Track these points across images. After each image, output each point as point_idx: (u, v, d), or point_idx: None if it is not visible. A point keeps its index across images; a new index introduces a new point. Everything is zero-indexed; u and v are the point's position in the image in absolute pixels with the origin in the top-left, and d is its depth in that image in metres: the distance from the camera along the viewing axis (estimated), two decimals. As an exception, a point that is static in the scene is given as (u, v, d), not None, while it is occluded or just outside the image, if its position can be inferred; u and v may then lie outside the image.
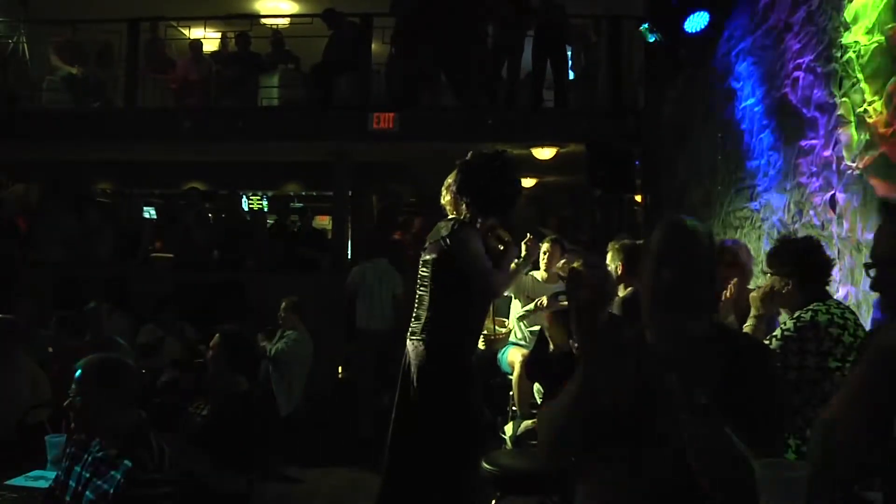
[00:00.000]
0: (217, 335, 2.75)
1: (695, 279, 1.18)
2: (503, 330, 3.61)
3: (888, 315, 1.15)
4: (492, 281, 2.41)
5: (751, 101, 3.64)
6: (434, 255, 2.45)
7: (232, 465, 2.49)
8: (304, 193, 8.22)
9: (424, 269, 2.50)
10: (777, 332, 2.06)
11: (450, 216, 2.49)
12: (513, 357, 3.77)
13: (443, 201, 2.51)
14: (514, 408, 3.73)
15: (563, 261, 4.23)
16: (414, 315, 2.54)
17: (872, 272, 1.03)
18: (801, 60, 3.06)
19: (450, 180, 2.49)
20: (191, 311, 4.97)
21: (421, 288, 2.52)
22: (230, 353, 2.71)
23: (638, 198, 5.81)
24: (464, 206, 2.44)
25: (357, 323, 4.92)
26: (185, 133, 6.01)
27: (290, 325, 4.55)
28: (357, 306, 4.92)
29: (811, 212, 2.95)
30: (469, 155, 2.50)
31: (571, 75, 6.51)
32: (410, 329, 2.51)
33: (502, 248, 2.52)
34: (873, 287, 1.04)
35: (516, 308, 4.01)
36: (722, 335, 1.25)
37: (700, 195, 4.46)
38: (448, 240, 2.40)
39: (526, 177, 7.93)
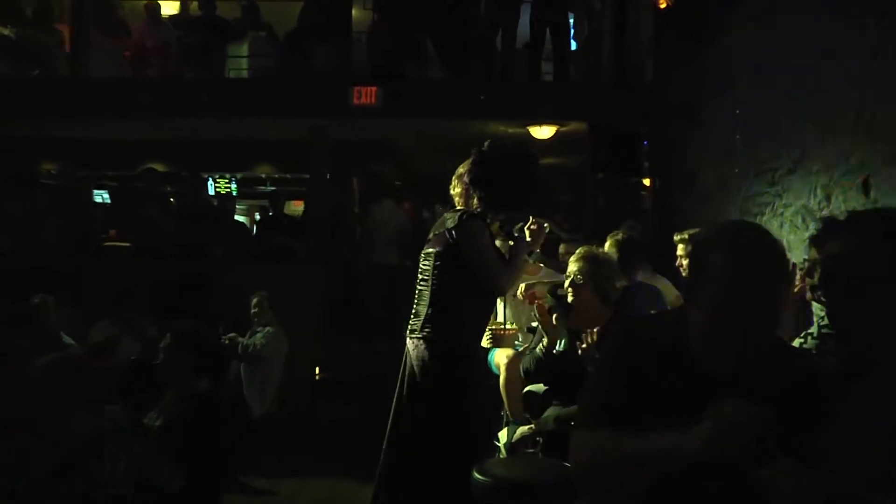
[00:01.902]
0: (167, 335, 2.69)
1: (771, 290, 1.18)
2: (512, 326, 3.54)
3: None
4: (499, 278, 2.43)
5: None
6: (438, 248, 2.46)
7: (193, 479, 2.41)
8: (276, 176, 8.18)
9: (426, 263, 2.51)
10: (813, 329, 2.01)
11: (457, 207, 2.53)
12: (499, 359, 3.79)
13: (452, 192, 2.55)
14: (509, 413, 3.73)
15: (562, 245, 4.30)
16: (413, 311, 2.53)
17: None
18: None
19: (462, 169, 2.53)
20: (151, 305, 4.91)
21: (421, 283, 2.52)
22: (185, 353, 2.66)
23: (646, 181, 5.81)
24: (475, 198, 2.47)
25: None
26: (141, 107, 5.88)
27: (263, 321, 4.56)
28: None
29: (840, 197, 2.89)
30: (486, 144, 2.52)
31: (573, 45, 6.48)
32: (409, 326, 2.51)
33: (512, 243, 2.57)
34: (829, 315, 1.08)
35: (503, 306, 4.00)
36: (783, 352, 1.26)
37: (715, 179, 4.44)
38: (454, 232, 2.41)
39: None
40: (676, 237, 3.26)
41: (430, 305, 2.44)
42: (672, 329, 1.25)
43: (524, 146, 2.53)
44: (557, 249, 4.56)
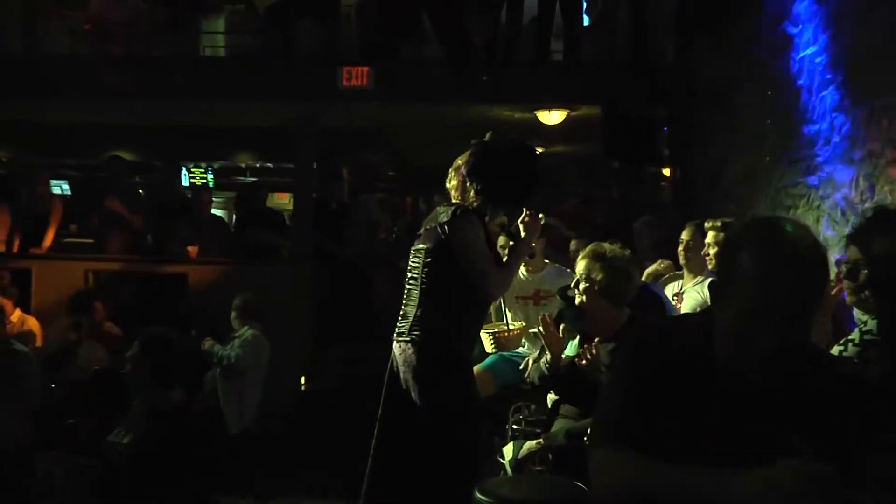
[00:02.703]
0: (135, 342, 2.72)
1: (810, 296, 1.18)
2: (516, 326, 3.52)
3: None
4: (490, 281, 2.46)
5: (811, 49, 3.59)
6: (429, 244, 2.47)
7: (165, 502, 2.40)
8: (257, 166, 8.18)
9: (415, 260, 2.52)
10: (854, 335, 1.97)
11: (453, 201, 2.55)
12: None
13: (448, 184, 2.57)
14: (514, 426, 3.70)
15: (573, 242, 4.31)
16: (401, 312, 2.54)
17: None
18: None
19: (460, 161, 2.55)
20: (117, 309, 4.88)
21: (410, 281, 2.54)
22: (155, 362, 2.70)
23: (665, 172, 5.81)
24: (472, 192, 2.50)
25: None
26: (104, 88, 5.82)
27: (244, 326, 4.53)
28: None
29: (886, 187, 2.88)
30: (488, 136, 2.57)
31: (586, 21, 6.45)
32: (397, 329, 2.52)
33: (512, 244, 2.59)
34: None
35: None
36: (820, 361, 1.26)
37: (743, 168, 4.43)
38: (447, 227, 2.43)
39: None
40: (708, 224, 3.27)
41: (420, 306, 2.45)
42: (695, 335, 1.24)
43: (527, 139, 2.59)
44: (568, 245, 4.57)
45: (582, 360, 2.47)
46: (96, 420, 3.03)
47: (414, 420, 2.41)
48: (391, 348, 2.56)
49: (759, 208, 4.07)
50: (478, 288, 2.47)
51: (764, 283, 1.14)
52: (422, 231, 2.55)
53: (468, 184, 2.50)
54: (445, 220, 2.44)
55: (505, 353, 3.66)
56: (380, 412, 2.48)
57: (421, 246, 2.50)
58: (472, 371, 2.61)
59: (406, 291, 2.54)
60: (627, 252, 2.71)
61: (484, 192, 2.49)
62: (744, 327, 1.15)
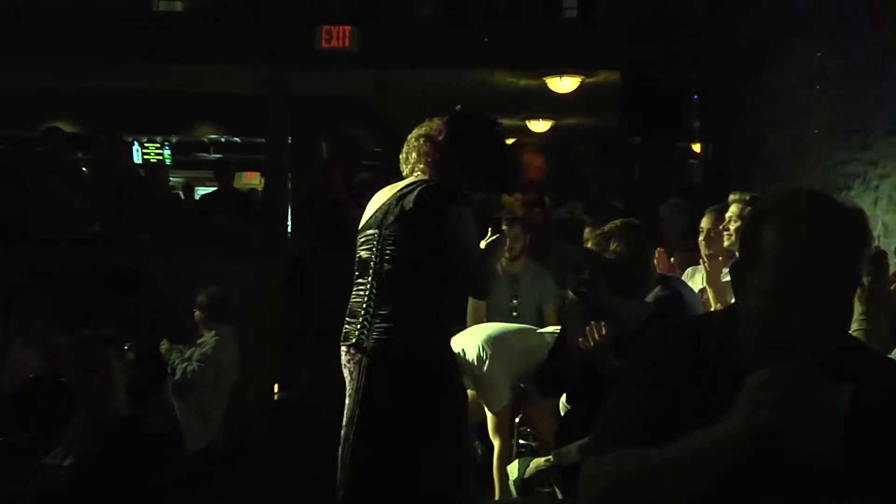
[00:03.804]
0: (76, 344, 2.73)
1: (844, 275, 1.18)
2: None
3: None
4: (489, 280, 2.52)
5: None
6: (396, 230, 2.44)
7: None
8: (223, 140, 8.17)
9: (366, 249, 2.49)
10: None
11: (415, 178, 2.52)
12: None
13: (405, 158, 2.56)
14: (521, 441, 3.74)
15: (587, 231, 4.27)
16: (348, 312, 2.51)
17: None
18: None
19: (421, 131, 2.55)
20: (57, 307, 4.80)
21: (363, 274, 2.51)
22: (101, 369, 2.67)
23: (696, 147, 5.86)
24: (455, 168, 2.49)
25: None
26: (40, 48, 5.74)
27: (209, 328, 4.50)
28: None
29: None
30: (459, 108, 2.59)
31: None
32: (345, 332, 2.49)
33: (495, 236, 2.61)
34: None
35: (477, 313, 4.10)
36: (861, 356, 1.27)
37: (786, 143, 4.41)
38: (444, 213, 2.41)
39: (536, 118, 7.88)
40: (733, 196, 3.27)
41: (386, 303, 2.44)
42: (715, 331, 1.26)
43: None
44: (581, 234, 4.56)
45: (588, 341, 2.45)
46: (30, 438, 2.97)
47: (388, 442, 2.39)
48: (342, 352, 2.53)
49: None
50: (469, 288, 2.48)
51: (789, 255, 1.15)
52: (373, 214, 2.50)
53: (446, 157, 2.49)
54: (435, 204, 2.41)
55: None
56: (352, 433, 2.44)
57: (374, 231, 2.46)
58: (457, 372, 2.61)
59: (356, 286, 2.51)
60: (643, 235, 2.69)
61: (467, 168, 2.49)
62: (767, 315, 1.16)
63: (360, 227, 2.55)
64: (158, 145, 8.04)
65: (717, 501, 1.14)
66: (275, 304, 5.66)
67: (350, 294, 2.56)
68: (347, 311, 2.53)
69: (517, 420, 3.74)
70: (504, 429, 3.70)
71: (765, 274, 1.16)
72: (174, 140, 8.14)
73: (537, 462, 3.02)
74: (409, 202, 2.42)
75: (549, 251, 5.03)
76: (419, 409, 2.40)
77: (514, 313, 4.17)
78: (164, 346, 4.40)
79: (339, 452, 2.49)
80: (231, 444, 4.62)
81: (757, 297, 1.18)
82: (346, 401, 2.50)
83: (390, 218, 2.44)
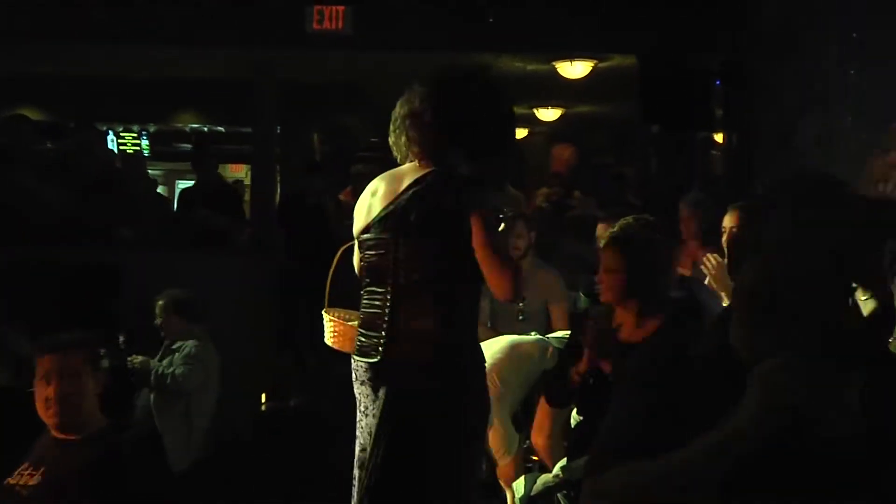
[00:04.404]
0: (41, 348, 2.67)
1: (843, 260, 1.29)
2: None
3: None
4: (519, 281, 2.44)
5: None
6: (421, 231, 2.39)
7: None
8: (205, 129, 8.15)
9: (403, 251, 2.41)
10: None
11: (408, 161, 2.48)
12: None
13: (393, 139, 2.52)
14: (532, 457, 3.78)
15: (599, 227, 4.39)
16: (382, 324, 2.44)
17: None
18: None
19: (409, 108, 2.47)
20: (24, 310, 4.77)
21: (373, 276, 2.47)
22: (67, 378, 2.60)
23: (718, 137, 5.79)
24: (447, 149, 2.43)
25: None
26: (2, 27, 5.70)
27: (189, 332, 4.48)
28: None
29: None
30: (437, 70, 2.53)
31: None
32: (373, 347, 2.44)
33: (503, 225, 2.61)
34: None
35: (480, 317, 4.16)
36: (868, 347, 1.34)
37: (820, 132, 4.40)
38: (466, 210, 2.36)
39: (545, 106, 7.85)
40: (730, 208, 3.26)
41: (410, 313, 2.40)
42: (713, 336, 1.39)
43: (486, 69, 2.64)
44: (594, 231, 4.56)
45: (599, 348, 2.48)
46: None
47: (424, 465, 2.37)
48: (356, 366, 2.51)
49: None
50: (495, 287, 2.43)
51: (782, 240, 1.27)
52: (383, 207, 2.44)
53: (435, 134, 2.41)
54: (460, 200, 2.36)
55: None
56: (378, 460, 2.39)
57: (387, 234, 2.41)
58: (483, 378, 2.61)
59: (368, 291, 2.48)
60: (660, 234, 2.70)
61: (461, 144, 2.42)
62: (761, 309, 1.20)
63: (362, 226, 2.49)
64: (135, 135, 8.05)
65: (737, 499, 1.19)
66: (263, 307, 5.65)
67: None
68: (361, 323, 2.49)
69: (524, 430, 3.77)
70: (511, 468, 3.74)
71: (760, 265, 1.24)
72: (152, 129, 8.13)
73: (545, 479, 3.02)
74: (424, 198, 2.39)
75: (559, 249, 5.01)
76: (452, 428, 2.38)
77: (520, 317, 4.15)
78: (135, 360, 4.40)
79: (356, 473, 2.48)
80: (217, 462, 4.61)
81: (752, 295, 1.24)
82: (363, 419, 2.48)
83: (405, 217, 2.39)
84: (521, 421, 3.89)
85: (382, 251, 2.43)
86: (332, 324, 2.79)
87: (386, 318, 2.41)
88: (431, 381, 2.37)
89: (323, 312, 2.78)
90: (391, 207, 2.42)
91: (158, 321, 4.47)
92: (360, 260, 2.55)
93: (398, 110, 2.49)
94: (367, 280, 2.49)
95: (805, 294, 1.21)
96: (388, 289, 2.42)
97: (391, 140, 2.52)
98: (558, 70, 6.29)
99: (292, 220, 5.92)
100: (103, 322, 4.71)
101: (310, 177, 6.18)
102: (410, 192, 2.40)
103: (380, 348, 2.41)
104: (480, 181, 2.44)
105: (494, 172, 2.87)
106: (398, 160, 2.52)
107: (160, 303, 4.48)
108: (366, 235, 2.48)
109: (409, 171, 2.46)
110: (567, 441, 3.31)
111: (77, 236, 5.70)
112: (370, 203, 2.49)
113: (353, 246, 2.64)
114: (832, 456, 1.17)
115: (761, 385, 1.16)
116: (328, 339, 2.78)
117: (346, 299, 2.76)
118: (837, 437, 1.14)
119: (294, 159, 6.99)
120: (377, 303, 2.44)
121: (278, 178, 6.77)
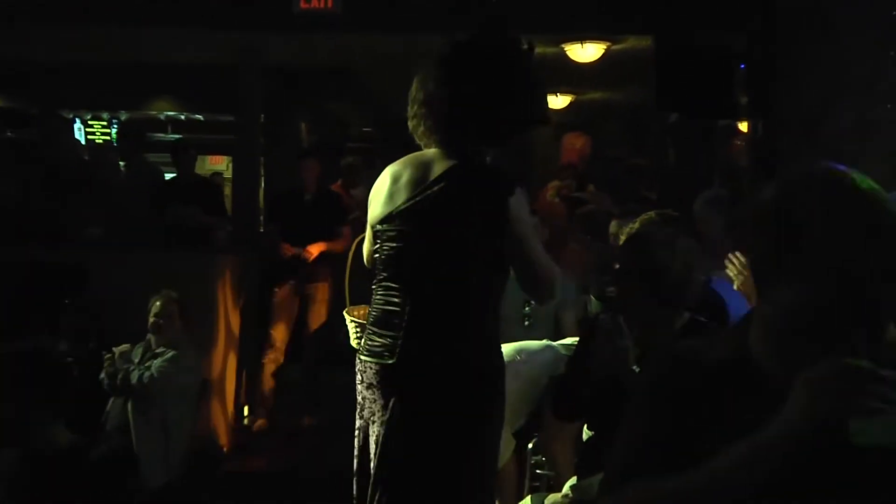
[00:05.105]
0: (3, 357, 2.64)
1: (872, 264, 1.19)
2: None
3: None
4: (556, 280, 2.50)
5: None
6: (449, 225, 2.40)
7: None
8: (183, 117, 8.18)
9: (426, 246, 2.42)
10: None
11: (441, 156, 2.46)
12: None
13: (412, 125, 2.51)
14: (538, 471, 3.73)
15: (613, 223, 4.47)
16: (373, 317, 2.48)
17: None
18: None
19: (424, 95, 2.47)
20: None
21: (389, 272, 2.46)
22: (31, 387, 2.53)
23: (742, 126, 5.81)
24: (465, 136, 2.43)
25: None
26: None
27: (167, 337, 4.51)
28: None
29: None
30: (447, 43, 2.51)
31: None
32: (387, 347, 2.42)
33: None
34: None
35: None
36: None
37: (850, 120, 4.42)
38: (499, 204, 2.39)
39: (553, 93, 7.90)
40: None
41: (433, 312, 2.40)
42: (730, 343, 1.32)
43: (502, 32, 2.55)
44: (607, 229, 4.62)
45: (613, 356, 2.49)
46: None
47: (440, 474, 2.39)
48: (364, 368, 2.49)
49: (876, 173, 4.01)
50: (528, 287, 2.50)
51: (806, 248, 1.18)
52: (411, 201, 2.42)
53: (466, 128, 2.40)
54: (491, 193, 2.38)
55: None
56: (379, 446, 2.41)
57: (409, 226, 2.41)
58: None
59: (383, 287, 2.47)
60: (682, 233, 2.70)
61: (491, 127, 2.42)
62: (786, 316, 1.21)
63: (380, 214, 2.47)
64: (105, 123, 8.10)
65: None
66: (246, 311, 5.68)
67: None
68: (374, 320, 2.47)
69: (530, 447, 3.73)
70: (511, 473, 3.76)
71: (781, 272, 1.21)
72: (124, 117, 8.14)
73: (553, 498, 3.04)
74: (456, 194, 2.39)
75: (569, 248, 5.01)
76: (472, 436, 2.41)
77: (527, 322, 4.16)
78: (106, 363, 4.37)
79: (357, 480, 2.50)
80: (195, 478, 4.60)
81: (773, 302, 1.23)
82: (368, 427, 2.48)
83: (434, 212, 2.40)
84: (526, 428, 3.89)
85: (402, 244, 2.43)
86: (354, 325, 2.78)
87: (405, 318, 2.40)
88: (453, 388, 2.37)
89: (344, 313, 2.78)
90: (418, 199, 2.41)
91: (151, 322, 4.47)
92: (375, 252, 2.53)
93: (413, 93, 2.49)
94: (384, 275, 2.48)
95: (866, 302, 1.20)
96: (408, 285, 2.42)
97: (410, 126, 2.51)
98: (567, 53, 6.32)
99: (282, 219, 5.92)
100: (70, 324, 4.69)
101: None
102: (438, 186, 2.40)
103: (396, 350, 2.39)
104: (512, 179, 2.43)
105: (524, 152, 2.89)
106: (422, 145, 2.51)
107: (158, 302, 4.49)
108: (385, 226, 2.46)
109: (436, 160, 2.45)
110: (577, 457, 3.31)
111: (40, 234, 5.69)
112: (391, 191, 2.46)
113: (363, 238, 2.65)
114: (880, 469, 1.16)
115: (808, 392, 1.15)
116: (353, 342, 2.76)
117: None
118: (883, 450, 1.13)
119: (279, 150, 7.03)
120: (395, 300, 2.43)
121: (262, 171, 6.80)
